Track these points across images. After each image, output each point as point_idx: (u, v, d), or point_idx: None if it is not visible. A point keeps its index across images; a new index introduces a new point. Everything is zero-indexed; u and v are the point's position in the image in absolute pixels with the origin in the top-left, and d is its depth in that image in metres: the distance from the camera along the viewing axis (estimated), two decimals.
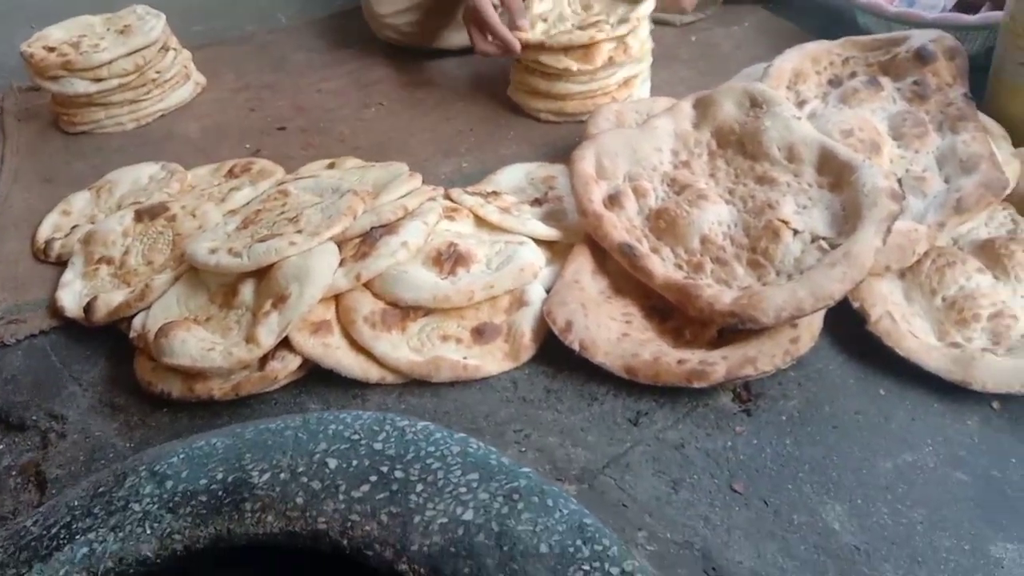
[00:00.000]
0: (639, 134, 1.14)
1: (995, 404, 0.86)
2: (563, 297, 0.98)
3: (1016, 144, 1.12)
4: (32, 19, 2.04)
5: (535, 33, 1.39)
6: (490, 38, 1.39)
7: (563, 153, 1.24)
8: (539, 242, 1.08)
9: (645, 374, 0.90)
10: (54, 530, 0.74)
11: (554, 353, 0.95)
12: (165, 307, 1.02)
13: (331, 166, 1.31)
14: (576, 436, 0.86)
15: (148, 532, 0.72)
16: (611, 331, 0.94)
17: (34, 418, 0.99)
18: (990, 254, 0.98)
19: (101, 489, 0.76)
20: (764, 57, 1.28)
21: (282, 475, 0.73)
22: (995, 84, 1.19)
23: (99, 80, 1.51)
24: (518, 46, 1.37)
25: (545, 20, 1.44)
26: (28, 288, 1.20)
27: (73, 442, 0.95)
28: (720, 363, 0.88)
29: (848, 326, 0.94)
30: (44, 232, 1.29)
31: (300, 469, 0.74)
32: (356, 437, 0.76)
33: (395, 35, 1.65)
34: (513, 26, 1.38)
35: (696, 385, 0.87)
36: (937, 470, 0.80)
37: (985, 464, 0.80)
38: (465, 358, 0.95)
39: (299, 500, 0.71)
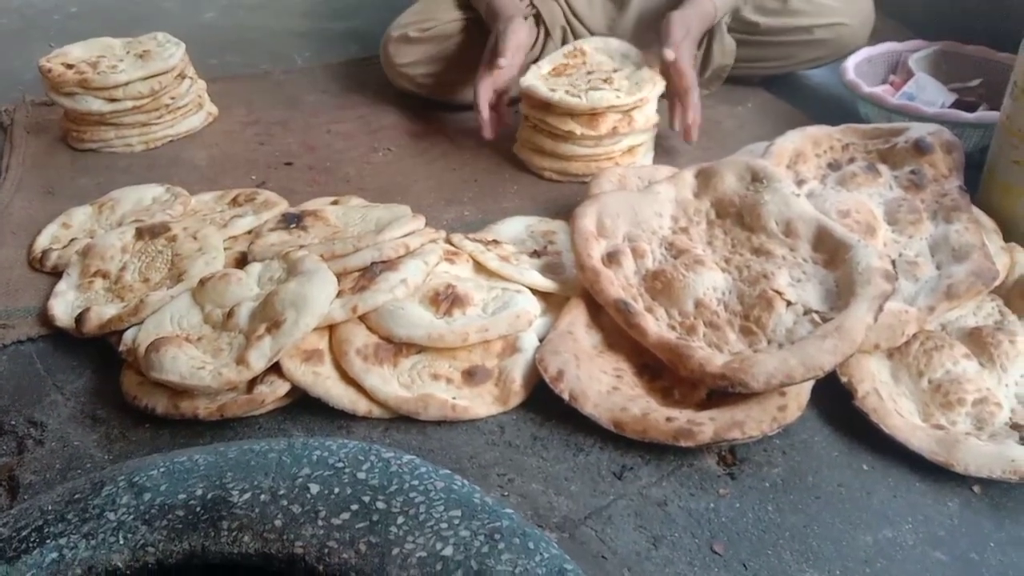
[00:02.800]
0: (641, 197, 1.17)
1: (976, 488, 0.87)
2: (556, 347, 0.98)
3: (1006, 239, 1.15)
4: (51, 37, 2.08)
5: (540, 87, 1.42)
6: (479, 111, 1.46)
7: (564, 210, 1.26)
8: (535, 293, 1.09)
9: (633, 429, 0.90)
10: (24, 532, 0.72)
11: (543, 401, 0.96)
12: (158, 323, 1.02)
13: (335, 203, 1.32)
14: (560, 485, 0.86)
15: (121, 542, 0.71)
16: (602, 384, 0.95)
17: (12, 423, 0.98)
18: (977, 342, 0.99)
19: (77, 496, 0.75)
20: (765, 137, 1.31)
21: (262, 496, 0.73)
22: (988, 180, 1.22)
23: (113, 100, 1.53)
24: (489, 134, 1.48)
25: (561, 74, 1.47)
26: (20, 295, 1.19)
27: (50, 450, 0.94)
28: (708, 424, 0.89)
29: (835, 400, 0.95)
30: (42, 242, 1.29)
31: (281, 492, 0.73)
32: (340, 465, 0.76)
33: (410, 85, 1.68)
34: (494, 64, 1.44)
35: (683, 444, 0.88)
36: (916, 548, 0.80)
37: (964, 546, 0.81)
38: (454, 398, 0.95)
39: (278, 523, 0.70)
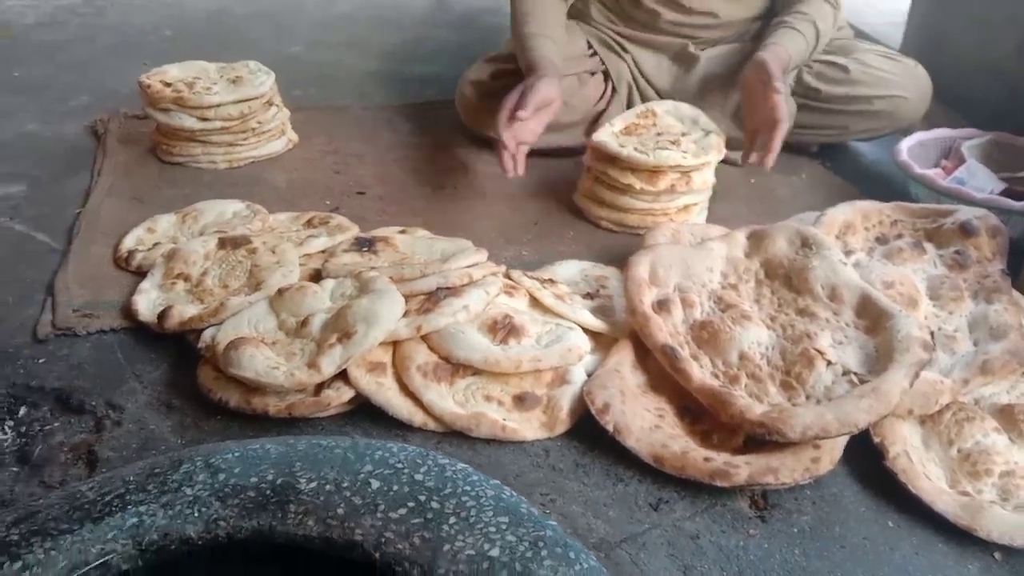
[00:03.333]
0: (694, 252, 1.23)
1: (997, 554, 0.90)
2: (604, 382, 1.04)
3: None
4: (146, 56, 2.21)
5: (611, 142, 1.49)
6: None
7: (618, 259, 1.32)
8: (586, 332, 1.15)
9: (672, 464, 0.95)
10: (108, 498, 0.79)
11: (587, 432, 1.01)
12: (236, 325, 1.10)
13: (403, 232, 1.40)
14: (598, 509, 0.91)
15: (196, 515, 0.77)
16: (644, 420, 1.00)
17: (93, 404, 1.06)
18: (1008, 417, 1.03)
19: (157, 471, 0.82)
20: (817, 208, 1.37)
21: (327, 486, 0.79)
22: None
23: (204, 119, 1.64)
24: (515, 172, 1.50)
25: (631, 133, 1.55)
26: (105, 289, 1.28)
27: (127, 431, 1.02)
28: (743, 467, 0.94)
29: (866, 460, 0.99)
30: (128, 243, 1.38)
31: (345, 484, 0.79)
32: (400, 465, 0.82)
33: (482, 128, 1.76)
34: (514, 115, 1.47)
35: (718, 483, 0.93)
36: None
37: None
38: (504, 420, 1.01)
39: (340, 511, 0.76)
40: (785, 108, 1.48)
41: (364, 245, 1.29)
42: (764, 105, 1.48)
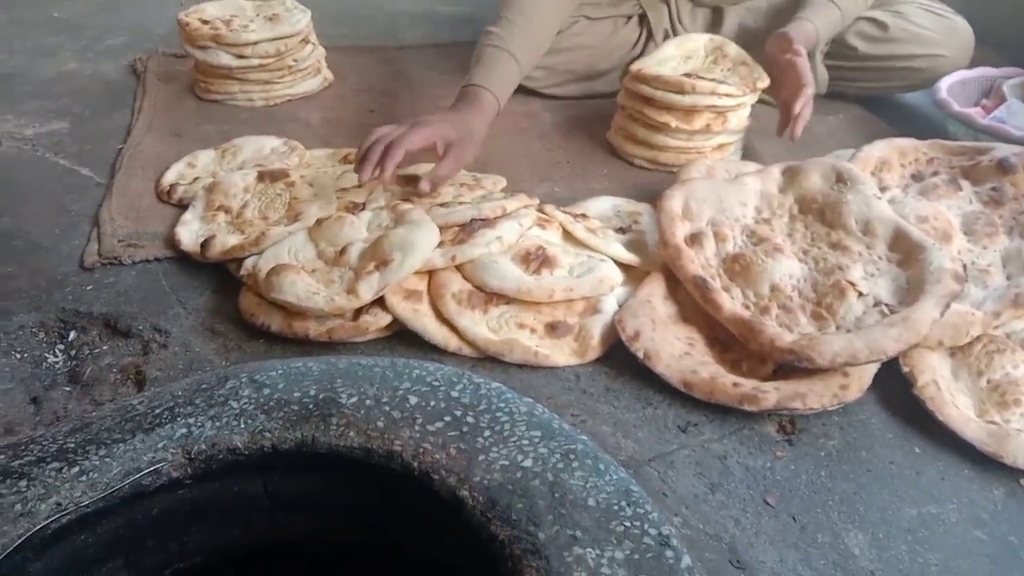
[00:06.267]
0: (728, 186, 1.23)
1: (1023, 481, 0.91)
2: (635, 311, 1.06)
3: None
4: None
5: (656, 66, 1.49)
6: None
7: (651, 196, 1.33)
8: (618, 265, 1.16)
9: (701, 390, 0.97)
10: (158, 411, 0.83)
11: (617, 359, 1.04)
12: (276, 253, 1.12)
13: None
14: (628, 430, 0.94)
15: (242, 426, 0.80)
16: (674, 348, 1.02)
17: (139, 328, 1.10)
18: None
19: (204, 386, 0.86)
20: (853, 147, 1.36)
21: (367, 401, 0.82)
22: None
23: (242, 57, 1.66)
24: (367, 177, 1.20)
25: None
26: (148, 221, 1.32)
27: (173, 353, 1.05)
28: (772, 393, 0.95)
29: (895, 389, 1.00)
30: (169, 177, 1.41)
31: (384, 399, 0.82)
32: (436, 383, 0.85)
33: None
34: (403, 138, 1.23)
35: (747, 408, 0.94)
36: (958, 525, 0.86)
37: (1005, 529, 0.86)
38: (537, 346, 1.03)
39: (380, 424, 0.80)
40: (810, 73, 1.46)
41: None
42: (789, 73, 1.46)
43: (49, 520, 0.71)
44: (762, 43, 1.56)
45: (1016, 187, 1.25)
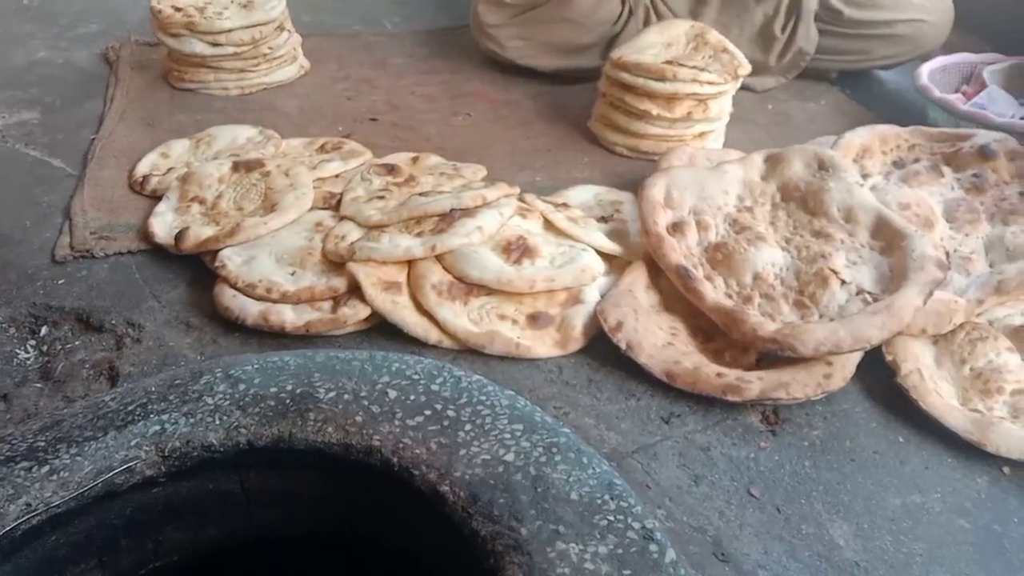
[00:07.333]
0: (709, 175, 1.22)
1: (1006, 469, 0.91)
2: (617, 301, 1.05)
3: None
4: None
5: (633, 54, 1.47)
6: None
7: (632, 184, 1.32)
8: (600, 254, 1.15)
9: (684, 380, 0.96)
10: (131, 407, 0.81)
11: (600, 351, 1.02)
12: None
13: (415, 160, 1.40)
14: (611, 422, 0.93)
15: (217, 423, 0.78)
16: (657, 338, 1.01)
17: (113, 322, 1.07)
18: (1022, 338, 1.03)
19: (177, 381, 0.84)
20: (834, 133, 1.36)
21: (346, 396, 0.80)
22: None
23: (216, 45, 1.63)
24: None
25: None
26: (121, 212, 1.29)
27: (147, 347, 1.03)
28: (755, 383, 0.94)
29: (878, 378, 1.00)
30: (143, 168, 1.38)
31: (363, 394, 0.81)
32: (416, 377, 0.83)
33: (495, 47, 1.75)
34: None
35: (730, 398, 0.94)
36: (942, 514, 0.85)
37: (988, 518, 0.85)
38: (518, 338, 1.02)
39: (359, 418, 0.78)
40: None
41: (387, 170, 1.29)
42: None
43: (19, 521, 0.69)
44: (746, 10, 1.54)
45: (997, 173, 1.25)
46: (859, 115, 1.64)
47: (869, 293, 1.03)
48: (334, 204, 1.22)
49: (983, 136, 1.29)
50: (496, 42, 1.74)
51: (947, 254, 1.06)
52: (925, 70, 1.58)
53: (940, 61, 1.63)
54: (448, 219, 1.11)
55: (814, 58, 1.72)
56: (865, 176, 1.25)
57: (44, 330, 1.07)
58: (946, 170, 1.27)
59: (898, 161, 1.31)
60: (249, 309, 1.03)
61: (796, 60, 1.73)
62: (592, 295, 1.08)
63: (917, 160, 1.30)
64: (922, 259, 1.03)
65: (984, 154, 1.26)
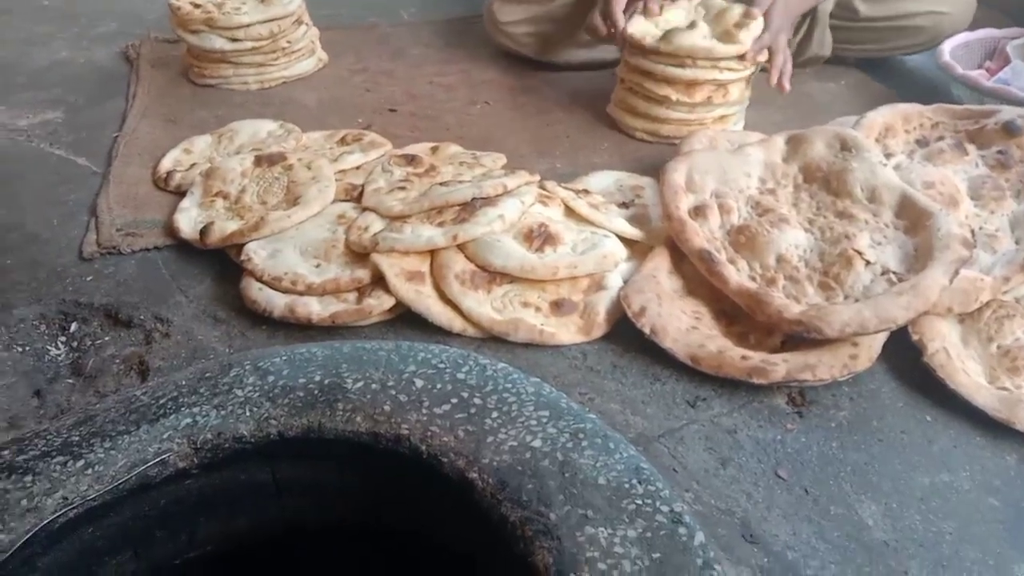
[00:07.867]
0: (731, 157, 1.22)
1: None
2: (640, 286, 1.05)
3: None
4: None
5: (647, 31, 1.46)
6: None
7: (653, 169, 1.31)
8: (622, 240, 1.15)
9: (708, 364, 0.96)
10: (162, 401, 0.82)
11: (624, 336, 1.03)
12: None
13: (434, 149, 1.40)
14: (636, 407, 0.93)
15: (247, 414, 0.79)
16: (681, 322, 1.01)
17: (141, 317, 1.09)
18: None
19: (207, 375, 0.85)
20: (856, 113, 1.35)
21: (373, 385, 0.81)
22: None
23: (235, 40, 1.64)
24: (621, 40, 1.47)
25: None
26: (146, 209, 1.30)
27: (176, 342, 1.05)
28: (781, 365, 0.94)
29: (905, 357, 1.00)
30: (166, 164, 1.40)
31: (390, 383, 0.81)
32: (442, 366, 0.84)
33: (510, 43, 1.75)
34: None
35: (756, 381, 0.94)
36: (971, 492, 0.85)
37: (1018, 495, 0.85)
38: (542, 325, 1.02)
39: (386, 408, 0.79)
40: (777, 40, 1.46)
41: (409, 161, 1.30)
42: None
43: (56, 515, 0.70)
44: None
45: (1022, 149, 1.23)
46: (881, 94, 1.63)
47: (894, 273, 1.02)
48: (356, 196, 1.22)
49: (1007, 112, 1.28)
50: (511, 38, 1.74)
51: (972, 232, 1.05)
52: (947, 47, 1.56)
53: (963, 37, 1.62)
54: (469, 208, 1.11)
55: (834, 48, 1.71)
56: (888, 155, 1.24)
57: (74, 326, 1.09)
58: (970, 147, 1.25)
59: (921, 139, 1.30)
60: (276, 302, 1.04)
61: (810, 63, 1.72)
62: (615, 281, 1.08)
63: (941, 138, 1.29)
64: (947, 238, 1.02)
65: (1009, 130, 1.24)
